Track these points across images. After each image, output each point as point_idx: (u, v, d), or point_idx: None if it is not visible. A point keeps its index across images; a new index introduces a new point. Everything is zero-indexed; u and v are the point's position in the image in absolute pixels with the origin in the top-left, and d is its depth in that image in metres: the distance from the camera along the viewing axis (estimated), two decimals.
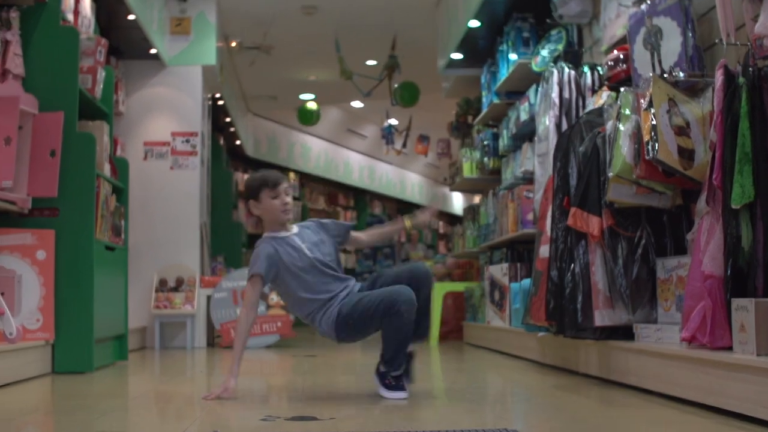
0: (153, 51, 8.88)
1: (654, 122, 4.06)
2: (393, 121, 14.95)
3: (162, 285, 8.88)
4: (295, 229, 4.27)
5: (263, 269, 4.07)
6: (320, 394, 4.37)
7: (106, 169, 6.30)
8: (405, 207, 21.95)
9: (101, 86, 6.42)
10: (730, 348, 3.52)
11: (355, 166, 19.33)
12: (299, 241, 4.19)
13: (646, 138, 4.09)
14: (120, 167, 6.80)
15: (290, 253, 4.14)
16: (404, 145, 15.26)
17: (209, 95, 10.36)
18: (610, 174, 4.37)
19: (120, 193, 6.71)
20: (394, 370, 4.07)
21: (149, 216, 9.00)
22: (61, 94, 5.73)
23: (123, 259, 6.80)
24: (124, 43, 8.66)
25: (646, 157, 4.08)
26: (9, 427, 3.46)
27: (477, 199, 10.49)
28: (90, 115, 6.27)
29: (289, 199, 4.22)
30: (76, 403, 4.13)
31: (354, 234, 4.50)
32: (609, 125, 4.59)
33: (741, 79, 3.67)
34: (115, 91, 7.22)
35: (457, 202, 23.69)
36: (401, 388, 4.05)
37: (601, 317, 4.52)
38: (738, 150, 3.58)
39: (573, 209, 4.63)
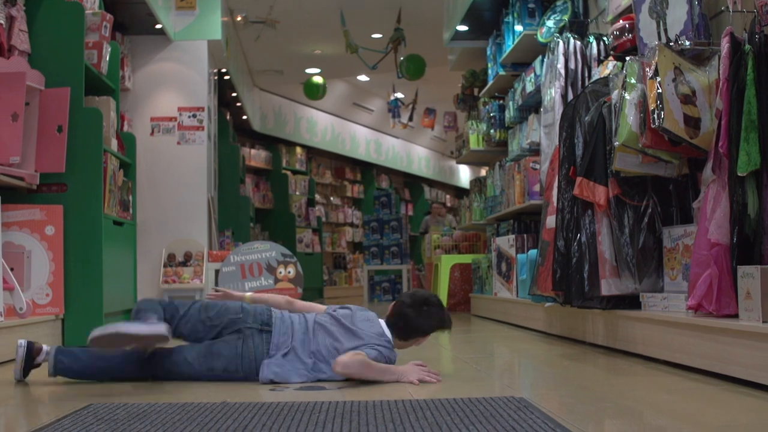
0: (158, 26, 8.87)
1: (660, 91, 4.06)
2: (399, 95, 14.93)
3: (170, 260, 8.91)
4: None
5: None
6: None
7: (114, 145, 6.32)
8: (412, 180, 21.97)
9: (107, 61, 6.43)
10: (736, 315, 3.53)
11: (361, 139, 19.31)
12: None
13: (652, 107, 4.08)
14: (127, 142, 6.82)
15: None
16: (410, 119, 15.25)
17: (215, 70, 10.35)
18: (616, 143, 4.37)
19: (127, 168, 6.73)
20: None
21: (157, 191, 9.02)
22: (68, 69, 5.75)
23: (131, 233, 6.83)
24: (130, 18, 8.65)
25: (652, 126, 4.08)
26: (22, 400, 3.49)
27: (483, 171, 10.49)
28: (96, 90, 6.28)
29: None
30: None
31: None
32: (615, 94, 4.58)
33: (747, 47, 3.66)
34: (121, 66, 7.22)
35: (464, 174, 23.69)
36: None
37: (608, 286, 4.54)
38: (744, 117, 3.58)
39: (579, 179, 4.63)
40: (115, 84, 6.62)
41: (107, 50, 6.41)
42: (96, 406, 2.94)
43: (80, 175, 5.72)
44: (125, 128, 8.32)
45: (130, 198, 6.76)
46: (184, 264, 8.91)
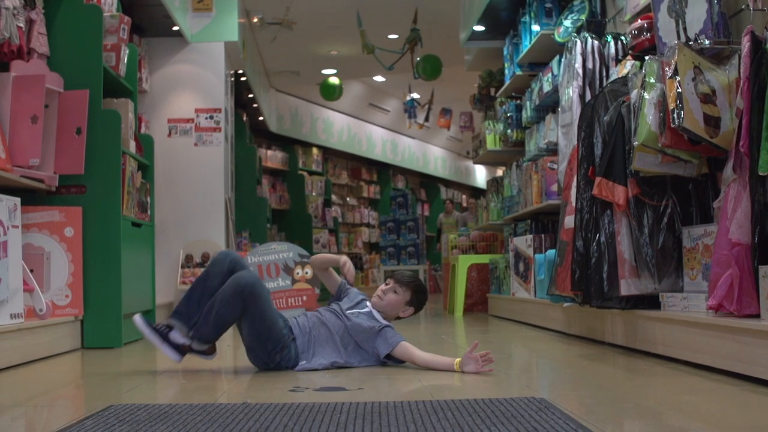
0: (175, 28, 8.90)
1: (679, 90, 4.04)
2: (415, 95, 14.93)
3: (188, 261, 8.93)
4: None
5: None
6: (348, 366, 4.39)
7: (132, 146, 6.34)
8: (428, 180, 21.96)
9: (125, 64, 6.45)
10: (757, 315, 3.52)
11: (377, 140, 19.32)
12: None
13: (671, 106, 4.07)
14: (145, 144, 6.84)
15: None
16: (426, 119, 15.24)
17: (232, 71, 10.37)
18: (636, 143, 4.35)
19: (145, 169, 6.75)
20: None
21: (175, 192, 9.05)
22: (86, 72, 5.77)
23: (149, 235, 6.85)
24: (147, 20, 8.68)
25: (672, 125, 4.07)
26: (43, 400, 3.51)
27: (500, 171, 10.47)
28: (114, 92, 6.30)
29: (386, 296, 4.33)
30: (105, 377, 4.18)
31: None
32: (634, 94, 4.56)
33: None
34: (138, 68, 7.24)
35: (480, 175, 23.67)
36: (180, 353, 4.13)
37: (627, 286, 4.52)
38: (765, 116, 3.56)
39: (598, 179, 4.62)
40: (133, 86, 6.65)
41: (125, 52, 6.43)
42: (117, 407, 2.95)
43: (99, 177, 5.74)
44: (143, 130, 8.35)
45: (148, 199, 6.78)
46: (201, 265, 8.93)
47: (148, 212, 6.78)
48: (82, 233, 5.61)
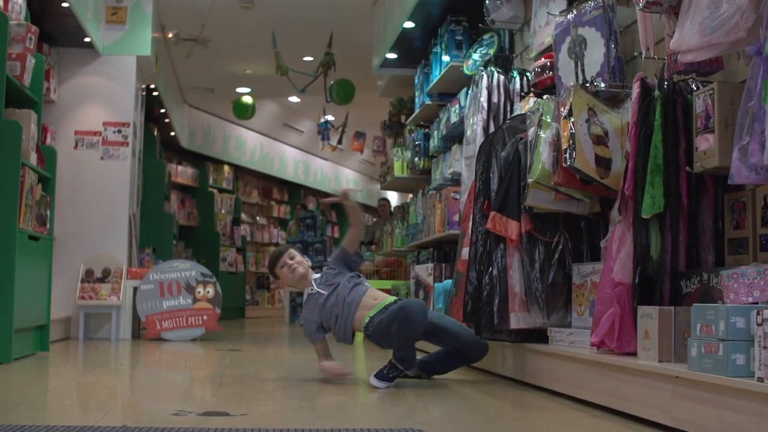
0: (87, 39, 8.80)
1: (573, 131, 4.15)
2: (330, 117, 14.96)
3: (88, 275, 8.81)
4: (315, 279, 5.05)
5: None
6: (240, 389, 4.39)
7: (33, 158, 6.24)
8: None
9: (30, 74, 6.35)
10: (635, 353, 3.62)
11: (290, 160, 19.29)
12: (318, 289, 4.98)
13: (564, 146, 4.17)
14: (47, 156, 6.73)
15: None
16: (340, 142, 15.27)
17: (143, 86, 10.29)
18: (530, 180, 4.45)
19: (46, 182, 6.65)
20: (405, 368, 4.70)
21: (78, 206, 8.92)
22: None
23: (47, 248, 6.73)
24: (58, 30, 8.56)
25: (564, 165, 4.17)
26: None
27: (410, 198, 10.56)
28: (18, 102, 6.20)
29: (292, 262, 5.06)
30: None
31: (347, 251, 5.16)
32: (531, 132, 4.67)
33: (656, 93, 3.78)
34: (46, 78, 7.14)
35: (393, 199, 23.76)
36: (388, 380, 4.61)
37: (517, 320, 4.61)
38: (650, 161, 3.69)
39: (493, 213, 4.71)
40: (38, 97, 6.54)
41: (31, 62, 6.34)
42: None
43: None
44: (48, 141, 8.22)
45: (48, 213, 6.68)
46: (102, 280, 8.82)
47: (47, 225, 6.67)
48: None
